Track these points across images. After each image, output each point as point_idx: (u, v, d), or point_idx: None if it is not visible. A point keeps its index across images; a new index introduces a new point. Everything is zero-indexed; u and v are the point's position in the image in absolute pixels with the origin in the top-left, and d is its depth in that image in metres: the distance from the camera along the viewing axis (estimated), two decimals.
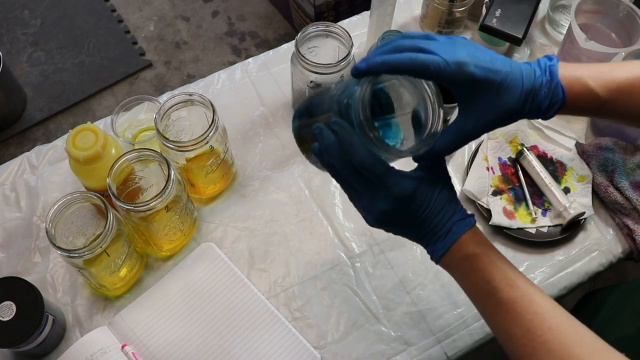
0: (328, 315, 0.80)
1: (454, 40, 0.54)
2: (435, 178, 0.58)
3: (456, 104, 0.56)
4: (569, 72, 0.54)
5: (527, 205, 0.88)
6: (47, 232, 0.69)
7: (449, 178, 0.59)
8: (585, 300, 0.94)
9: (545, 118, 0.56)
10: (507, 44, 1.00)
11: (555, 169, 0.91)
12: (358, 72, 0.53)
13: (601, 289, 0.94)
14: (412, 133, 0.57)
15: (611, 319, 0.82)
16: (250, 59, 1.02)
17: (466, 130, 0.55)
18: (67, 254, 0.68)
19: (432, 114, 0.54)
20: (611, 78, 0.54)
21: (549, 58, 0.55)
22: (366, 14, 1.07)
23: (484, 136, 0.93)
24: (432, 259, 0.60)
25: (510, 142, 0.93)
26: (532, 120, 0.95)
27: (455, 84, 0.53)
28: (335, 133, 0.54)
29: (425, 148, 0.54)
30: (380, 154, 0.54)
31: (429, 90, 0.54)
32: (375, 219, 0.58)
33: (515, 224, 0.86)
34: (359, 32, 1.05)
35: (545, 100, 0.54)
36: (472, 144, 0.94)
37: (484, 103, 0.53)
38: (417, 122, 0.56)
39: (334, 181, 0.90)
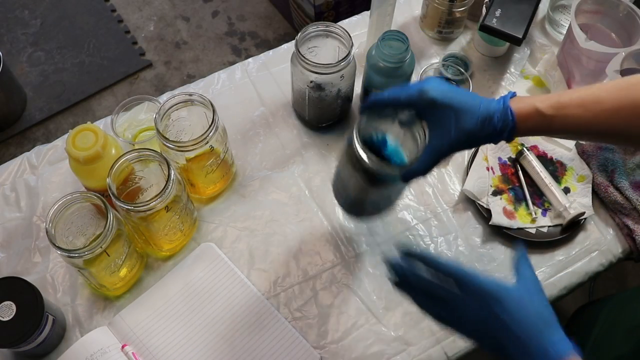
0: (328, 315, 0.80)
1: (426, 79, 0.64)
2: (527, 286, 0.57)
3: None
4: (522, 100, 0.62)
5: (527, 205, 0.88)
6: (47, 232, 0.69)
7: (544, 294, 0.58)
8: (578, 314, 0.95)
9: (508, 140, 0.62)
10: (507, 44, 1.00)
11: (555, 169, 0.91)
12: (360, 110, 0.66)
13: (593, 302, 0.94)
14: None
15: (605, 335, 0.82)
16: (250, 59, 1.02)
17: (434, 150, 0.63)
18: (67, 254, 0.68)
19: (418, 142, 0.65)
20: (557, 99, 0.61)
21: (508, 93, 0.63)
22: (366, 14, 1.07)
23: None
24: None
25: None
26: None
27: (421, 108, 0.63)
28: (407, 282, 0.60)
29: (408, 167, 0.64)
30: (375, 170, 0.63)
31: (415, 126, 0.65)
32: (467, 329, 0.58)
33: (515, 224, 0.86)
34: (359, 32, 1.05)
35: (499, 123, 0.61)
36: None
37: (445, 124, 0.62)
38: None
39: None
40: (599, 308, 0.89)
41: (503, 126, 0.61)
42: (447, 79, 0.94)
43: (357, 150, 0.63)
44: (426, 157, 0.63)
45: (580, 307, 0.98)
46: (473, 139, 0.62)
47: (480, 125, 0.61)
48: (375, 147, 0.67)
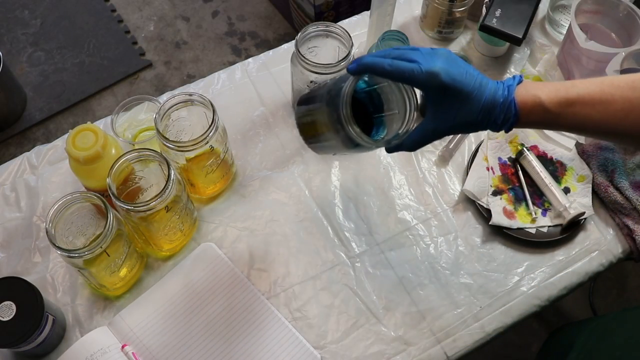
0: (328, 315, 0.80)
1: (435, 52, 0.60)
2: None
3: None
4: (527, 90, 0.59)
5: (527, 205, 0.88)
6: (47, 232, 0.69)
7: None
8: (554, 337, 0.95)
9: (506, 131, 0.60)
10: (507, 44, 1.00)
11: (555, 169, 0.91)
12: (350, 71, 0.61)
13: (570, 324, 0.94)
14: (393, 129, 0.64)
15: None
16: (250, 59, 1.02)
17: (428, 131, 0.61)
18: (67, 254, 0.68)
19: (409, 114, 0.62)
20: (565, 94, 0.58)
21: (514, 77, 0.60)
22: (366, 14, 1.07)
23: (484, 136, 0.93)
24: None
25: (510, 142, 0.93)
26: None
27: (426, 89, 0.59)
28: None
29: (397, 141, 0.62)
30: (358, 140, 0.60)
31: (409, 94, 0.62)
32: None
33: (515, 224, 0.86)
34: (359, 32, 1.05)
35: (500, 115, 0.59)
36: (472, 144, 0.94)
37: (447, 110, 0.59)
38: (398, 120, 0.64)
39: (334, 181, 0.90)
40: (576, 332, 0.89)
41: (504, 119, 0.59)
42: None
43: (347, 125, 0.59)
44: (418, 136, 0.61)
45: (556, 329, 0.98)
46: (471, 127, 0.61)
47: (482, 116, 0.59)
48: (357, 100, 0.63)
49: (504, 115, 0.59)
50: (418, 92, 0.63)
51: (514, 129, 0.61)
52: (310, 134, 0.70)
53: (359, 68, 0.60)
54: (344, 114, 0.59)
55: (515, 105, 0.58)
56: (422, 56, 0.59)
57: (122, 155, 0.73)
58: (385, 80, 0.64)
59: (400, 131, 0.62)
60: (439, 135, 0.62)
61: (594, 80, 0.59)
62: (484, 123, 0.60)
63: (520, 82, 0.60)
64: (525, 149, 0.91)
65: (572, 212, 0.85)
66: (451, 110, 0.59)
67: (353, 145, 0.62)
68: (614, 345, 0.81)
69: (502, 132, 0.64)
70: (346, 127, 0.59)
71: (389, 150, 0.64)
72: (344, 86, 0.60)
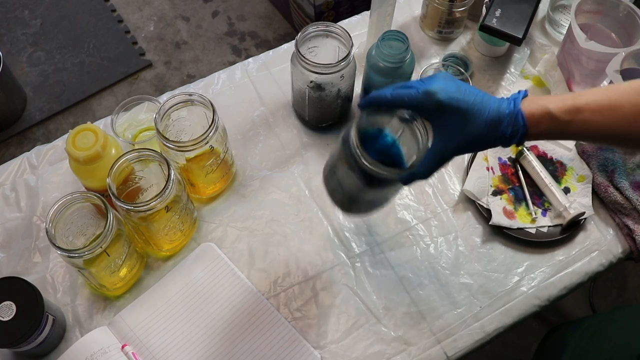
0: (328, 315, 0.80)
1: (434, 76, 0.61)
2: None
3: None
4: (533, 102, 0.59)
5: (527, 205, 0.88)
6: (47, 232, 0.69)
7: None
8: (548, 338, 0.95)
9: (518, 145, 0.61)
10: (507, 44, 1.00)
11: (555, 169, 0.91)
12: (360, 106, 0.63)
13: (564, 324, 0.94)
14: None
15: None
16: (250, 59, 1.02)
17: (438, 154, 0.61)
18: (67, 254, 0.68)
19: (422, 145, 0.63)
20: (572, 102, 0.58)
21: (519, 92, 0.60)
22: (366, 14, 1.07)
23: None
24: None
25: None
26: None
27: (427, 111, 0.60)
28: None
29: (410, 170, 0.63)
30: (370, 169, 0.61)
31: (421, 132, 0.63)
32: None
33: (515, 224, 0.86)
34: (359, 32, 1.05)
35: (508, 128, 0.58)
36: None
37: (451, 128, 0.59)
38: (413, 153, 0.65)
39: None
40: (570, 332, 0.89)
41: (513, 132, 0.58)
42: None
43: (356, 153, 0.61)
44: (429, 161, 0.61)
45: (551, 328, 0.98)
46: (480, 144, 0.60)
47: (488, 130, 0.58)
48: (372, 142, 0.65)
49: (512, 127, 0.58)
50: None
51: None
52: (333, 184, 0.71)
53: (366, 102, 0.63)
54: (353, 143, 0.60)
55: (523, 117, 0.58)
56: (420, 82, 0.61)
57: (122, 155, 0.73)
58: (400, 127, 0.65)
59: (414, 162, 0.63)
60: (448, 157, 0.61)
61: (598, 89, 0.59)
62: (492, 138, 0.59)
63: (525, 96, 0.60)
64: (525, 149, 0.91)
65: (572, 212, 0.85)
66: (454, 128, 0.59)
67: (369, 181, 0.63)
68: (605, 342, 0.82)
69: None
70: (358, 157, 0.60)
71: (405, 181, 0.64)
72: (352, 126, 0.62)
